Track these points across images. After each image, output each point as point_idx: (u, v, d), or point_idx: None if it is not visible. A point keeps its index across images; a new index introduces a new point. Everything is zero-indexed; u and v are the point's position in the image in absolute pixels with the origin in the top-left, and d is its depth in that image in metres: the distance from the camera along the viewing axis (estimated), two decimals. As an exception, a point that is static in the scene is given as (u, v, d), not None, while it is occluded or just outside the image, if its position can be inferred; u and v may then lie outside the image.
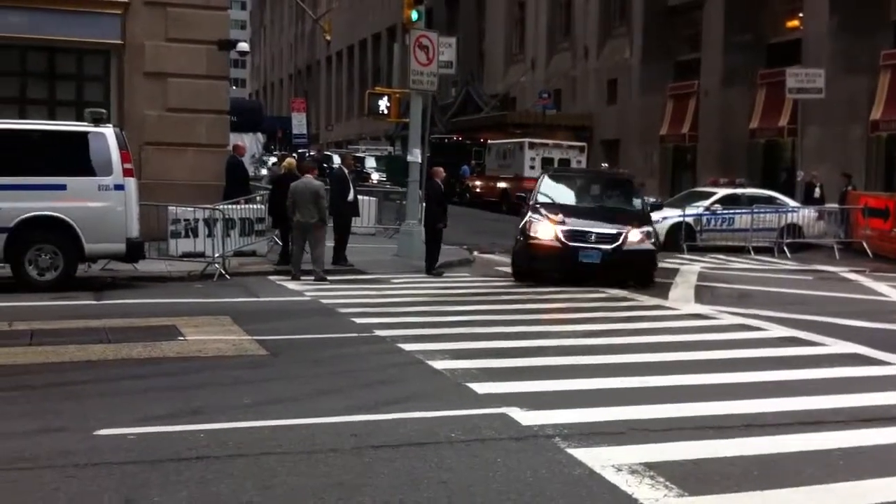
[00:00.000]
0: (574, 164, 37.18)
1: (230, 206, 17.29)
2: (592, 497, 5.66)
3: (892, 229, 22.49)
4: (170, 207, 17.06)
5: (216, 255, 16.30)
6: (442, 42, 20.54)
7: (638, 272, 16.15)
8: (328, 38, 47.77)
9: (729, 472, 6.10)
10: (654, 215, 23.63)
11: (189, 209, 17.14)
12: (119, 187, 14.15)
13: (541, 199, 17.47)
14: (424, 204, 18.77)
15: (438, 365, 9.17)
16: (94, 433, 6.64)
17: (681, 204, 25.08)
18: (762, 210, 24.03)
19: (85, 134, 14.23)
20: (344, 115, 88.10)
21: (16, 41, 19.22)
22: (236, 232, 17.31)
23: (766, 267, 20.46)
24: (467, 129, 51.02)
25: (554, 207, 16.92)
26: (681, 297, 15.03)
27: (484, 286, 16.23)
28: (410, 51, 19.58)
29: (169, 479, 5.75)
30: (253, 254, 18.16)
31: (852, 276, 18.79)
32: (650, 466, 6.10)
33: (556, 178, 19.27)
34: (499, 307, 13.57)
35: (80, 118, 15.22)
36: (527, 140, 39.08)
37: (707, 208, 24.41)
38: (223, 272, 15.90)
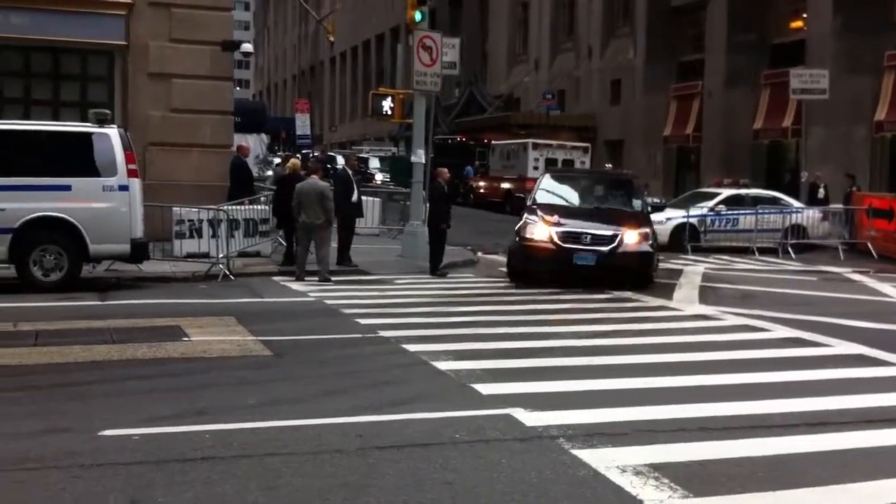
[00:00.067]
0: (578, 165, 37.15)
1: (234, 207, 17.30)
2: (597, 498, 5.66)
3: (897, 230, 22.47)
4: (174, 208, 17.07)
5: (220, 255, 16.31)
6: (445, 43, 20.53)
7: (634, 274, 15.89)
8: (332, 38, 47.72)
9: (734, 473, 6.10)
10: (658, 216, 23.70)
11: (193, 210, 17.15)
12: (123, 188, 14.16)
13: (539, 199, 17.39)
14: (428, 205, 18.76)
15: (443, 366, 9.17)
16: (99, 434, 6.65)
17: (685, 205, 25.07)
18: (766, 211, 24.00)
19: (89, 135, 14.24)
20: (347, 116, 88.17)
21: (20, 42, 19.27)
22: (240, 232, 17.32)
23: (771, 268, 20.44)
24: (471, 130, 51.00)
25: (551, 208, 16.79)
26: (685, 298, 15.02)
27: (488, 287, 16.23)
28: (414, 51, 19.57)
29: (174, 479, 5.76)
30: (257, 254, 18.18)
31: (856, 277, 18.77)
32: (655, 467, 6.10)
33: (556, 178, 19.11)
34: (503, 308, 13.57)
35: (84, 119, 15.25)
36: (530, 141, 39.07)
37: (711, 209, 24.40)
38: (227, 273, 15.91)
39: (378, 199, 25.95)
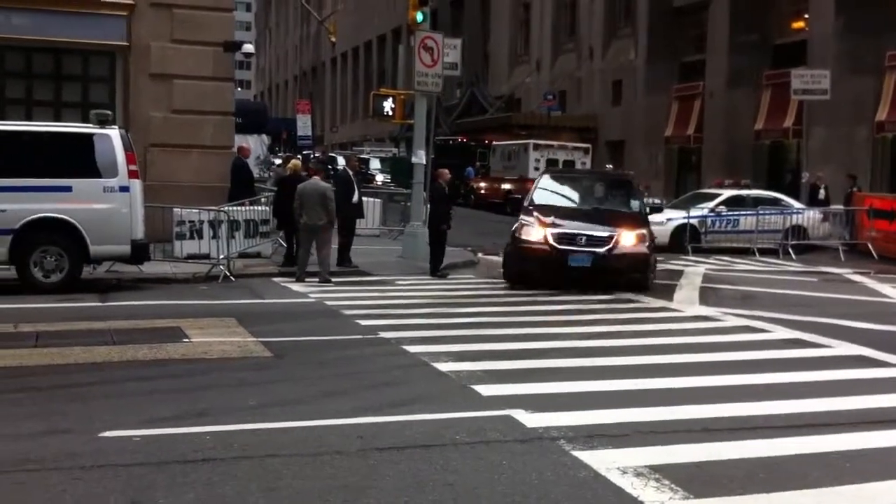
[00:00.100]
0: (579, 166, 37.15)
1: (235, 208, 17.31)
2: (597, 499, 5.66)
3: (898, 231, 22.46)
4: (175, 209, 17.07)
5: (221, 256, 16.32)
6: (447, 43, 20.54)
7: (630, 277, 15.69)
8: (333, 39, 47.82)
9: (734, 475, 6.10)
10: (659, 216, 23.62)
11: (194, 211, 17.16)
12: (124, 189, 14.16)
13: (536, 200, 17.17)
14: (429, 206, 18.75)
15: (443, 367, 9.17)
16: (100, 435, 6.65)
17: (685, 205, 25.06)
18: (767, 212, 23.98)
19: (90, 136, 14.24)
20: (349, 117, 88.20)
21: (21, 42, 19.28)
22: (241, 234, 17.32)
23: (771, 269, 20.44)
24: (472, 131, 51.01)
25: (547, 209, 16.57)
26: (685, 299, 15.02)
27: (489, 288, 16.21)
28: (415, 52, 19.58)
29: (175, 480, 5.76)
30: (258, 255, 18.18)
31: (857, 278, 18.76)
32: (655, 469, 6.10)
33: (553, 179, 18.84)
34: (503, 309, 13.57)
35: (85, 120, 15.26)
36: (531, 141, 39.07)
37: (712, 210, 24.40)
38: (228, 274, 15.92)
39: (379, 200, 25.95)
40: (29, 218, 13.79)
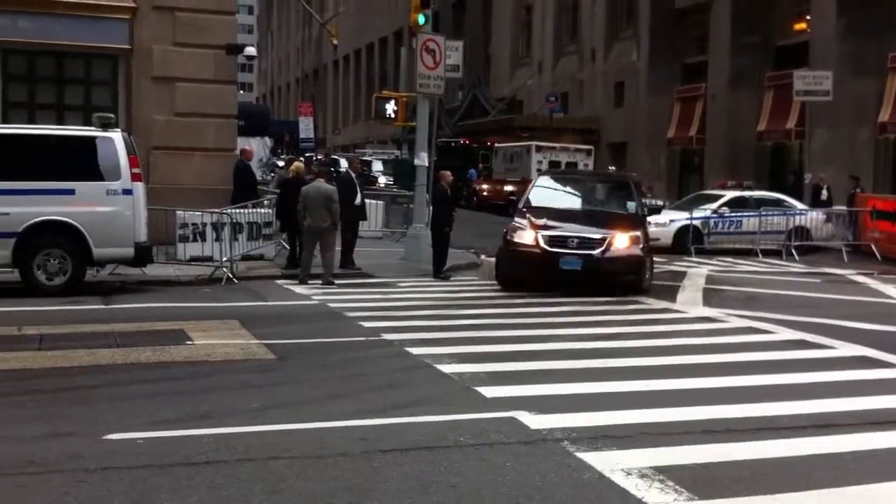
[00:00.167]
0: (581, 167, 37.17)
1: (238, 210, 17.32)
2: (602, 501, 5.65)
3: (901, 232, 22.44)
4: (178, 212, 17.08)
5: (224, 259, 16.32)
6: (449, 46, 20.55)
7: (623, 280, 15.41)
8: (335, 42, 47.83)
9: (739, 476, 6.09)
10: (661, 218, 23.69)
11: (197, 213, 17.17)
12: (127, 192, 14.17)
13: (532, 202, 16.97)
14: (431, 208, 18.75)
15: (446, 369, 9.17)
16: (104, 437, 6.65)
17: (688, 207, 25.06)
18: (770, 213, 23.96)
19: (93, 138, 14.25)
20: (351, 119, 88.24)
21: (25, 46, 19.31)
22: (244, 236, 17.33)
23: (774, 270, 20.42)
24: (474, 133, 51.03)
25: (540, 211, 16.35)
26: (689, 301, 15.00)
27: (491, 290, 16.19)
28: (417, 54, 19.58)
29: (179, 483, 5.76)
30: (261, 258, 18.19)
31: (860, 279, 18.74)
32: (660, 470, 6.09)
33: (549, 180, 18.65)
34: (506, 311, 13.56)
35: (88, 123, 15.29)
36: (534, 143, 39.08)
37: (715, 211, 24.40)
38: (231, 276, 15.92)
39: (381, 202, 25.96)
40: (32, 221, 13.80)
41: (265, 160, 40.31)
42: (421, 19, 20.23)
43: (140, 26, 19.83)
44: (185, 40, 20.03)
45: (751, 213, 23.98)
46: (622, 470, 6.10)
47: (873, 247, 22.86)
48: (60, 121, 18.92)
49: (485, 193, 41.54)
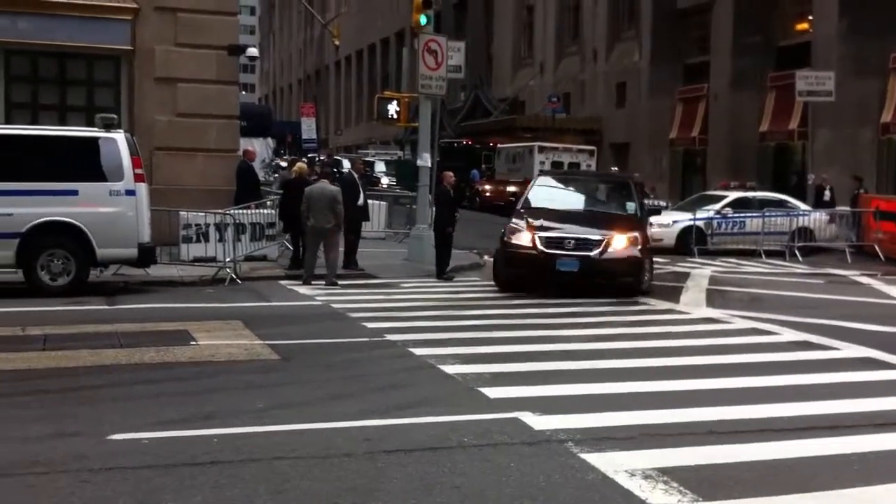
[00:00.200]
0: (584, 168, 37.15)
1: (241, 211, 17.33)
2: (605, 502, 5.65)
3: (904, 232, 22.42)
4: (181, 212, 17.10)
5: (227, 259, 16.34)
6: (451, 46, 20.58)
7: (621, 281, 15.22)
8: (337, 42, 47.87)
9: (743, 478, 6.09)
10: (665, 218, 23.70)
11: (200, 214, 17.19)
12: (130, 192, 14.18)
13: (531, 202, 16.84)
14: (434, 208, 18.75)
15: (450, 369, 9.17)
16: (108, 438, 6.66)
17: (691, 207, 25.05)
18: (773, 213, 23.95)
19: (96, 139, 14.27)
20: (353, 120, 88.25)
21: (27, 47, 19.32)
22: (247, 236, 17.35)
23: (778, 270, 20.41)
24: (476, 134, 51.02)
25: (539, 212, 16.20)
26: (692, 301, 15.00)
27: (495, 290, 16.16)
28: (419, 55, 19.59)
29: (183, 483, 5.76)
30: (264, 258, 18.20)
31: (864, 280, 18.72)
32: (663, 471, 6.09)
33: (549, 181, 18.53)
34: (510, 311, 13.56)
35: (90, 124, 15.29)
36: (536, 144, 39.07)
37: (718, 212, 24.39)
38: (234, 277, 15.93)
39: (384, 203, 25.96)
40: (35, 221, 13.81)
41: (268, 161, 40.31)
42: (423, 20, 20.22)
43: (142, 27, 19.85)
44: (187, 41, 20.04)
45: (754, 214, 23.97)
46: (626, 471, 6.10)
47: (877, 247, 22.84)
48: (63, 122, 18.93)
49: (487, 194, 41.55)
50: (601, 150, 43.91)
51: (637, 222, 16.25)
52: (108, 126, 14.34)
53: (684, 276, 18.24)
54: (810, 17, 35.89)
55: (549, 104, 49.00)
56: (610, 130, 47.72)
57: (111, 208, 14.14)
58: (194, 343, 10.33)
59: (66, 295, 13.71)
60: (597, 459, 6.34)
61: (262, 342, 10.44)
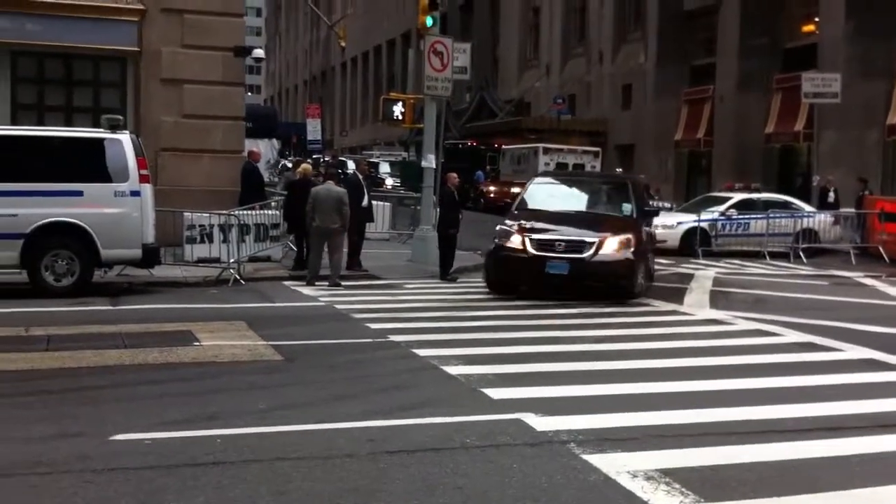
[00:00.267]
0: (589, 169, 37.15)
1: (245, 212, 17.35)
2: (608, 503, 5.65)
3: (909, 234, 22.38)
4: (185, 213, 17.11)
5: (231, 260, 16.36)
6: (456, 48, 20.54)
7: (612, 284, 14.78)
8: (343, 44, 47.86)
9: (746, 479, 6.08)
10: (669, 220, 23.70)
11: (204, 215, 17.20)
12: (135, 193, 14.19)
13: (527, 204, 16.56)
14: (438, 209, 18.75)
15: (453, 370, 9.17)
16: (111, 438, 6.67)
17: (696, 209, 25.03)
18: (778, 215, 23.93)
19: (101, 140, 14.28)
20: (358, 121, 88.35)
21: (34, 48, 19.37)
22: (251, 237, 17.36)
23: (782, 272, 20.38)
24: (482, 135, 51.06)
25: (532, 214, 15.87)
26: (696, 303, 14.98)
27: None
28: (425, 56, 19.58)
29: (185, 484, 5.77)
30: (268, 259, 18.21)
31: (868, 282, 18.69)
32: (666, 473, 6.09)
33: (546, 181, 18.28)
34: (513, 312, 13.56)
35: (96, 124, 15.32)
36: (541, 145, 39.09)
37: (722, 213, 24.36)
38: (238, 277, 15.95)
39: (388, 204, 25.98)
40: (40, 222, 13.84)
41: (273, 162, 40.35)
42: (429, 21, 20.22)
43: (148, 28, 19.89)
44: (194, 42, 20.07)
45: (758, 216, 23.94)
46: (628, 472, 6.09)
47: (881, 249, 22.79)
48: (69, 122, 18.97)
49: (492, 195, 41.53)
50: (606, 151, 43.91)
51: (632, 224, 15.72)
52: (114, 127, 14.36)
53: (688, 278, 18.22)
54: (817, 19, 35.86)
55: (554, 105, 49.01)
56: (615, 132, 47.71)
57: (116, 209, 14.16)
58: (198, 344, 10.34)
59: (70, 295, 13.73)
60: (599, 460, 6.33)
61: (265, 343, 10.45)
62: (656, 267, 18.04)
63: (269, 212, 18.14)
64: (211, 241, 17.09)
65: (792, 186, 33.20)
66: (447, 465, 6.24)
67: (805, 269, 20.91)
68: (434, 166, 20.07)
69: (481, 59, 54.69)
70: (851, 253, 22.91)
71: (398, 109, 21.82)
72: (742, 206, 24.64)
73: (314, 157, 43.21)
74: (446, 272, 17.39)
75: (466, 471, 6.13)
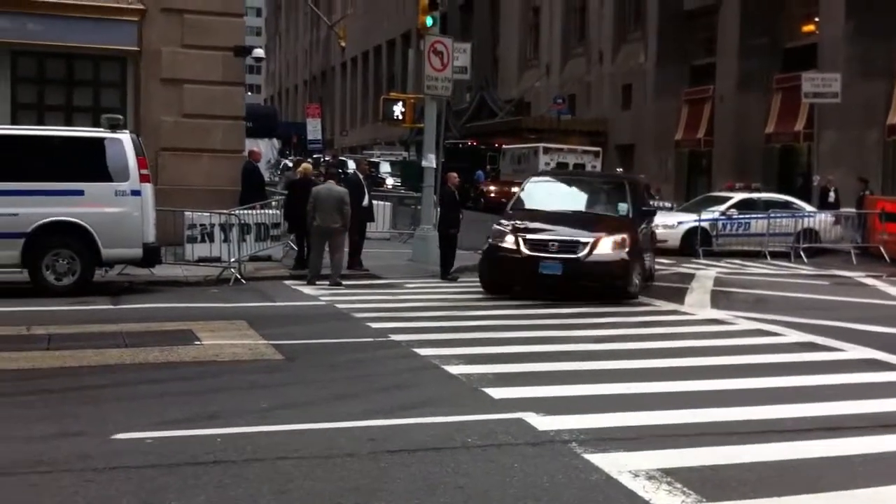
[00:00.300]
0: (589, 169, 37.14)
1: (246, 211, 17.35)
2: (609, 502, 5.65)
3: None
4: (186, 212, 17.12)
5: (232, 259, 16.35)
6: (456, 47, 20.54)
7: (607, 285, 14.66)
8: (343, 44, 47.85)
9: (746, 478, 6.08)
10: (670, 220, 23.69)
11: (205, 214, 17.20)
12: (136, 193, 14.20)
13: (523, 203, 16.46)
14: (439, 209, 18.75)
15: (454, 370, 9.17)
16: (112, 437, 6.67)
17: (696, 209, 25.03)
18: (778, 215, 23.93)
19: (102, 140, 14.29)
20: (358, 121, 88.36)
21: (34, 48, 19.38)
22: (252, 237, 17.36)
23: (783, 272, 20.38)
24: (482, 134, 51.06)
25: (527, 213, 15.77)
26: (697, 303, 14.98)
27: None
28: (425, 56, 19.58)
29: (186, 483, 5.77)
30: (268, 258, 18.22)
31: (869, 281, 18.69)
32: (667, 472, 6.08)
33: (542, 181, 18.17)
34: (514, 312, 13.55)
35: (97, 124, 15.33)
36: (541, 145, 39.09)
37: (723, 213, 24.36)
38: (239, 277, 15.95)
39: (389, 204, 25.99)
40: (41, 221, 13.84)
41: (273, 162, 40.40)
42: (429, 21, 20.22)
43: (148, 28, 19.89)
44: (194, 42, 20.08)
45: (759, 216, 23.94)
46: (630, 471, 6.09)
47: (882, 249, 22.79)
48: (69, 122, 18.98)
49: (492, 195, 41.47)
50: (607, 151, 43.91)
51: (628, 224, 15.56)
52: (114, 126, 14.36)
53: (689, 278, 18.22)
54: (817, 19, 35.87)
55: (554, 105, 49.01)
56: (615, 132, 47.71)
57: (116, 208, 14.17)
58: (198, 343, 10.34)
59: (71, 295, 13.73)
60: (600, 460, 6.33)
61: (266, 342, 10.45)
62: (657, 266, 18.06)
63: (270, 211, 18.14)
64: (212, 240, 17.09)
65: (792, 186, 33.18)
66: (448, 464, 6.23)
67: (806, 269, 20.91)
68: (434, 166, 20.07)
69: (481, 58, 54.69)
70: (852, 253, 22.91)
71: (398, 109, 21.81)
72: (743, 205, 24.64)
73: (314, 156, 43.20)
74: (447, 272, 17.39)
75: (468, 470, 6.13)
